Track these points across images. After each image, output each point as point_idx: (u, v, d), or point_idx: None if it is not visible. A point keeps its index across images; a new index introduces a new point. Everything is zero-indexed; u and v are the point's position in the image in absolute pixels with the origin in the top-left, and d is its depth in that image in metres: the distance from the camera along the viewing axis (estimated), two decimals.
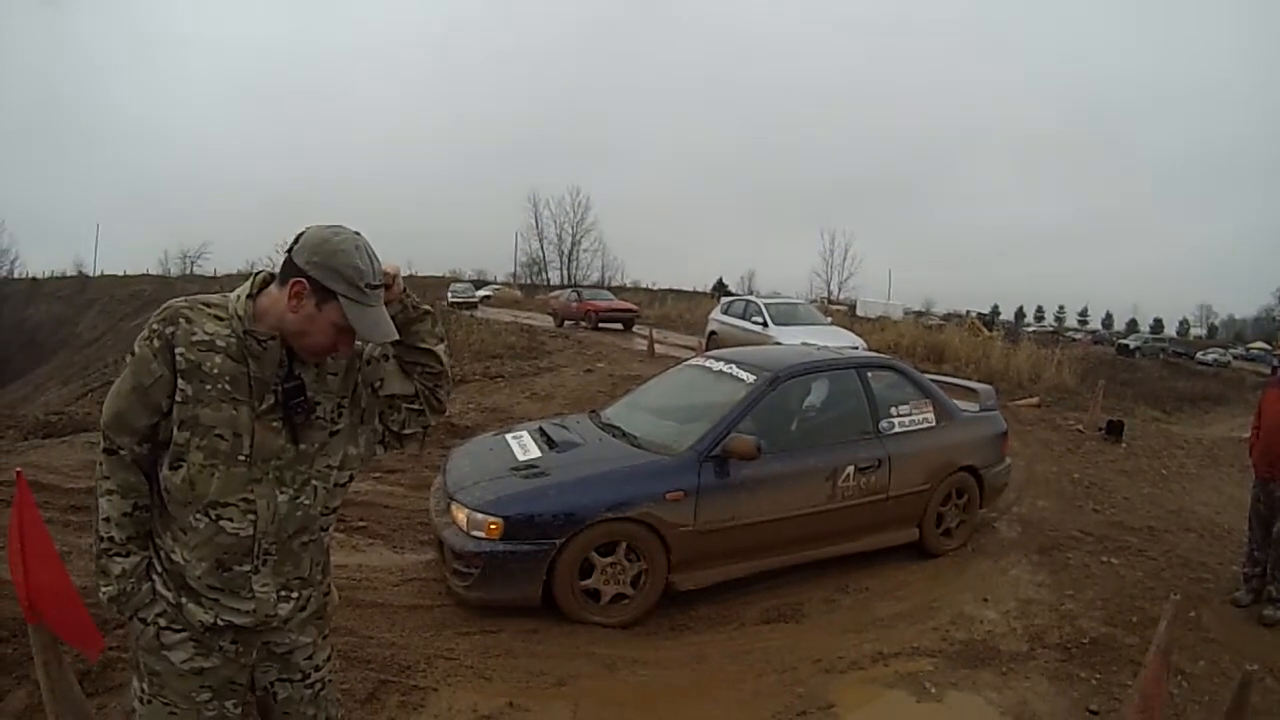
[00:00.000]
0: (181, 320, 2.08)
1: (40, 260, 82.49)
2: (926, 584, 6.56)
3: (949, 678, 4.93)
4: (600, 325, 29.01)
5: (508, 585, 5.38)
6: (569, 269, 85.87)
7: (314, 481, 2.28)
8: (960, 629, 5.62)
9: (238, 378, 2.11)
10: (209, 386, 2.09)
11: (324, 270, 2.06)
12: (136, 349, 2.09)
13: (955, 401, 7.53)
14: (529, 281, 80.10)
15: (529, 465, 5.95)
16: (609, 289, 46.37)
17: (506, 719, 4.30)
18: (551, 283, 76.96)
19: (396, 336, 2.21)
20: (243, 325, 2.11)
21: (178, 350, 2.06)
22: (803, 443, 6.51)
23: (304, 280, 2.07)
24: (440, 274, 73.02)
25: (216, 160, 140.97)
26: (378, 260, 2.14)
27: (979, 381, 10.78)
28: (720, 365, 7.06)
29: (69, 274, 72.65)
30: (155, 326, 2.08)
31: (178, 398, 2.08)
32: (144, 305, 51.64)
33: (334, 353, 2.20)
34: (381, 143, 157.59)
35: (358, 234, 2.14)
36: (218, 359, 2.09)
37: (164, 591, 2.20)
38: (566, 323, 30.69)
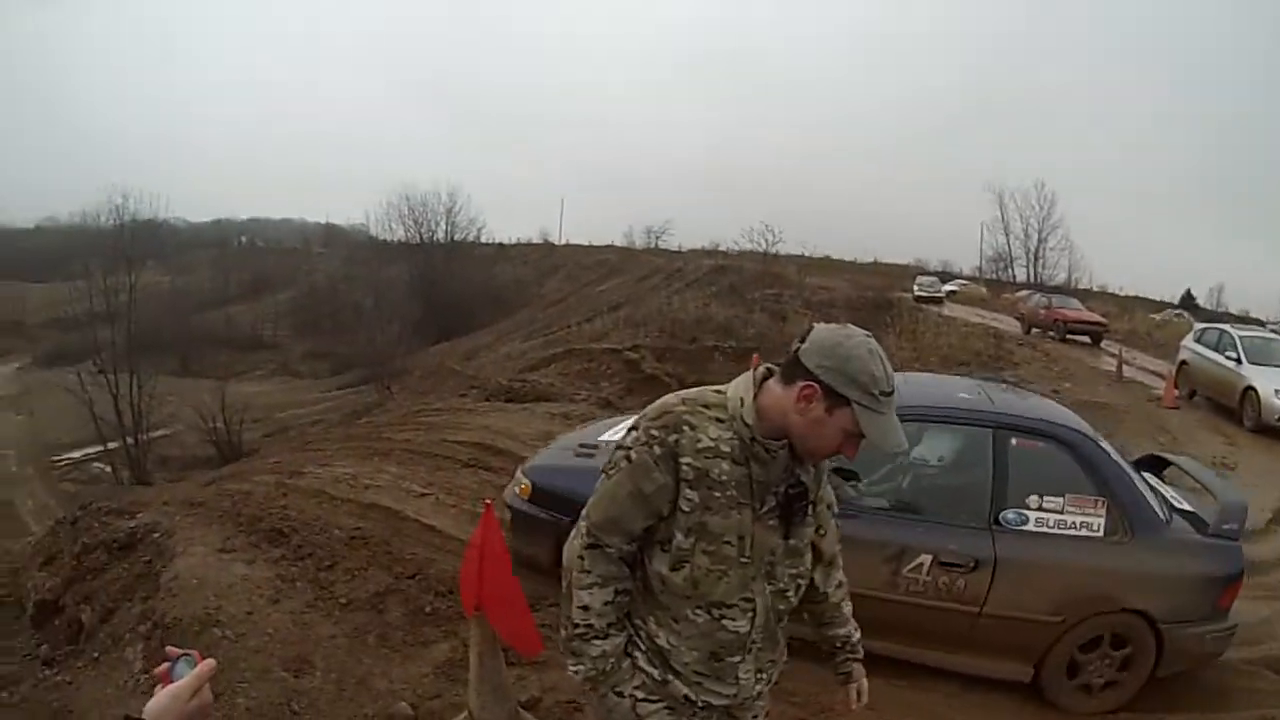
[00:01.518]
0: (685, 427, 2.12)
1: (506, 228, 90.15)
2: None
3: None
4: (1067, 336, 27.78)
5: (526, 542, 5.84)
6: (1035, 267, 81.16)
7: (798, 573, 2.35)
8: None
9: (741, 482, 2.13)
10: (717, 494, 2.11)
11: (837, 375, 2.03)
12: (634, 455, 2.15)
13: (1167, 509, 5.52)
14: (994, 277, 76.75)
15: (594, 446, 6.23)
16: (1075, 293, 43.83)
17: None
18: (1017, 279, 73.36)
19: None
20: (750, 432, 2.12)
21: (683, 460, 2.10)
22: (872, 505, 5.48)
23: (815, 385, 2.05)
24: (904, 262, 72.37)
25: (670, 140, 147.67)
26: (889, 365, 2.10)
27: None
28: None
29: (535, 241, 79.05)
30: (655, 433, 2.14)
31: (683, 506, 2.13)
32: (608, 273, 55.29)
33: (837, 454, 2.20)
34: (838, 120, 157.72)
35: (869, 336, 2.11)
36: (724, 465, 2.11)
37: (647, 668, 2.29)
38: (1033, 330, 29.77)
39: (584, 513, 2.26)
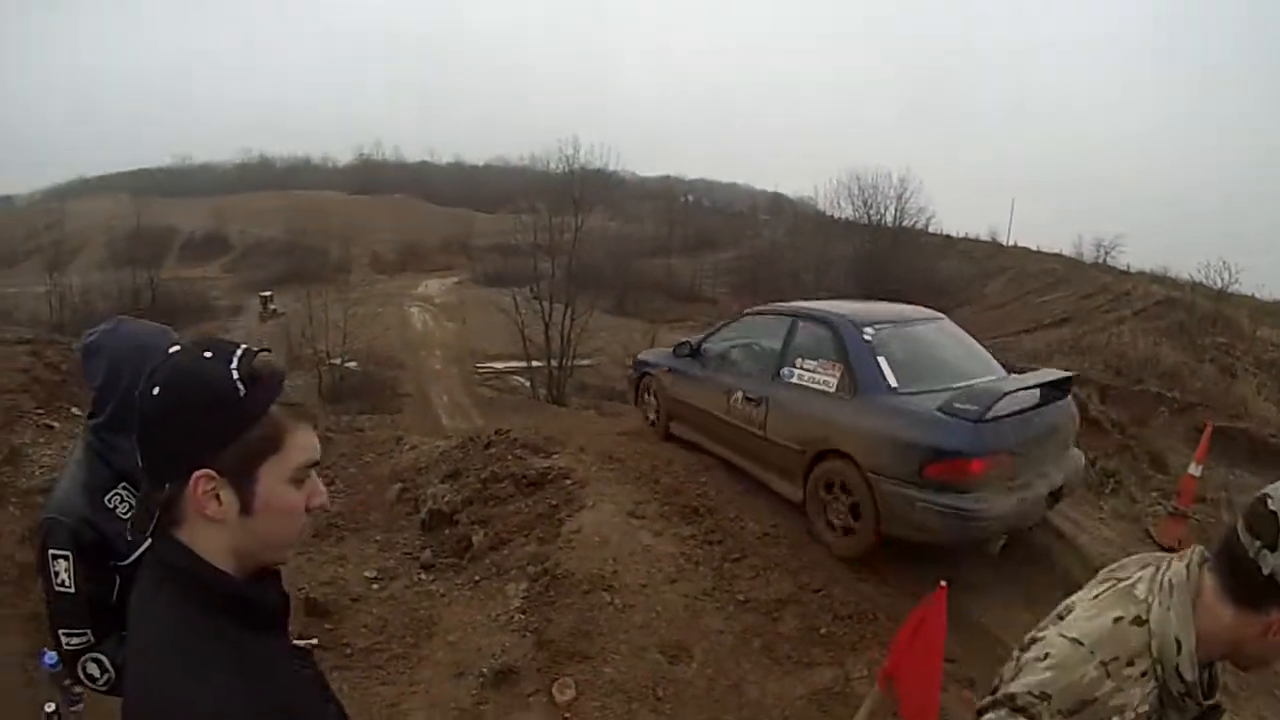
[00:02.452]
0: (1111, 715, 1.67)
1: (954, 221, 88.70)
2: None
3: None
4: None
5: (632, 393, 10.15)
6: None
7: None
8: None
9: None
10: None
11: None
12: None
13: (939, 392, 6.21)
14: None
15: (684, 342, 9.12)
16: None
17: None
18: None
19: None
20: (1185, 688, 1.67)
21: None
22: (728, 362, 8.22)
23: None
24: None
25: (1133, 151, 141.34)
26: None
27: None
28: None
29: (982, 239, 76.43)
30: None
31: None
32: (1054, 284, 52.88)
33: None
34: None
35: None
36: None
37: None
38: None
39: None
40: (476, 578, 6.32)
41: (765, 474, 7.22)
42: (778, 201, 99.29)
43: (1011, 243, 73.55)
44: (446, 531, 7.17)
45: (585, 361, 40.75)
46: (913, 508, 5.83)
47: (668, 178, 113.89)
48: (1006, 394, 5.95)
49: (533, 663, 5.29)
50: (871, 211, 65.69)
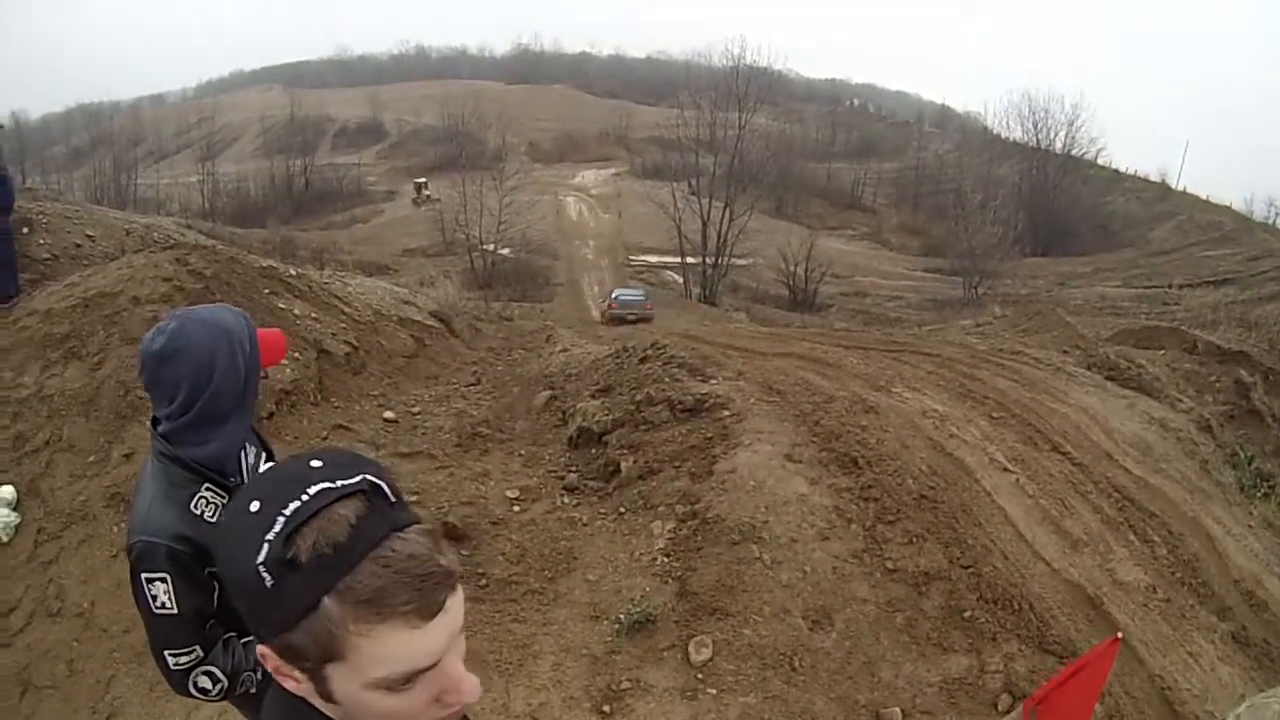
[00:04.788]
0: None
1: (1122, 156, 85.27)
2: None
3: None
4: None
5: (599, 312, 31.87)
6: None
7: None
8: None
9: None
10: None
11: None
12: None
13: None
14: None
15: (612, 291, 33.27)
16: None
17: None
18: None
19: None
20: None
21: None
22: (611, 294, 32.39)
23: None
24: None
25: None
26: None
27: None
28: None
29: (1151, 179, 73.48)
30: None
31: None
32: (1219, 239, 51.57)
33: None
34: None
35: None
36: None
37: None
38: None
39: None
40: (621, 508, 6.08)
41: (605, 315, 28.09)
42: (945, 114, 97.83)
43: (1181, 187, 70.83)
44: (594, 452, 6.96)
45: (742, 260, 40.38)
46: (612, 310, 28.09)
47: (833, 81, 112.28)
48: (621, 293, 30.57)
49: (671, 614, 5.07)
50: (1041, 135, 63.61)
